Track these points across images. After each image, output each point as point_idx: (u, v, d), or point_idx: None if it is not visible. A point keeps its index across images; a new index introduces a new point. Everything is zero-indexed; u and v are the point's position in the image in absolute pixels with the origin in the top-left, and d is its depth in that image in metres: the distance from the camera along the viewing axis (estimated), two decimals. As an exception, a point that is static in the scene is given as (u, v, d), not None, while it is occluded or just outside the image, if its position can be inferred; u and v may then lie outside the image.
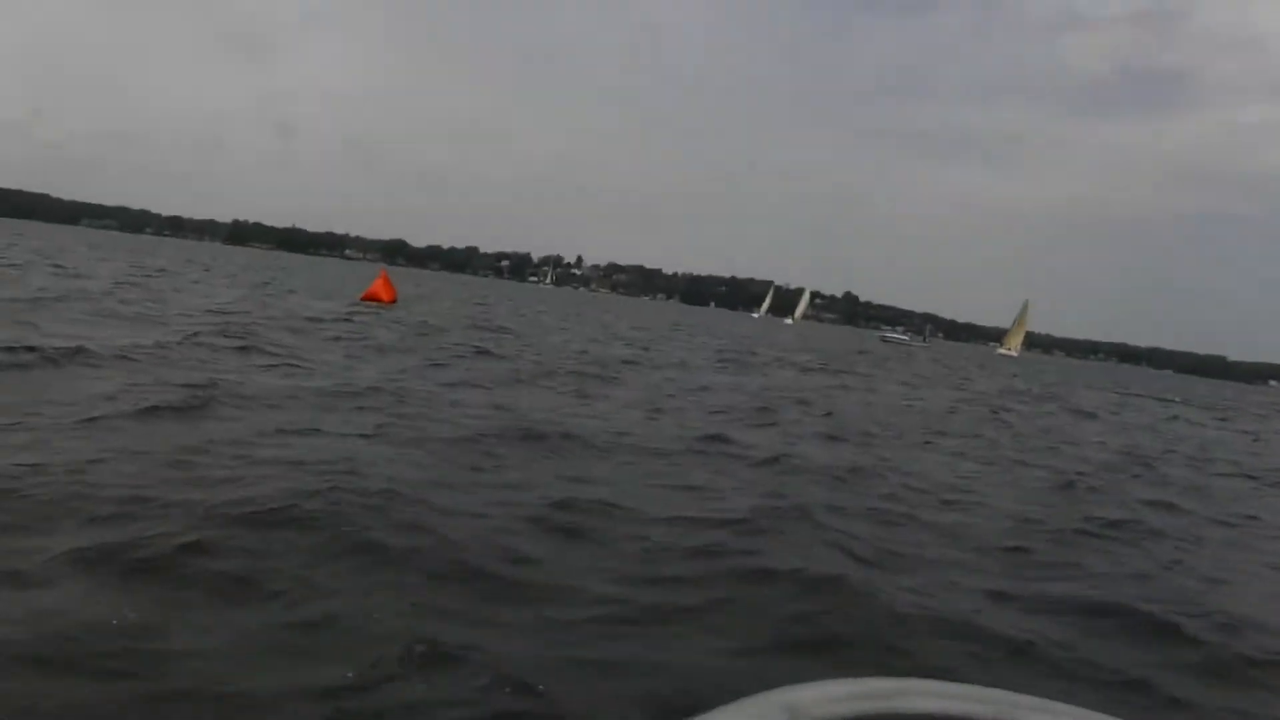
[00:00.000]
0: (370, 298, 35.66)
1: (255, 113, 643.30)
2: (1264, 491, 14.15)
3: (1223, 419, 37.45)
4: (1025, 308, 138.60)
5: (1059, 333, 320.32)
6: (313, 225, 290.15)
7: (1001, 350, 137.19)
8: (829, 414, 16.23)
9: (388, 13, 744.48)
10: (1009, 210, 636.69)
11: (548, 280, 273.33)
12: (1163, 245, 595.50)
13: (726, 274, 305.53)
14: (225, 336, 15.92)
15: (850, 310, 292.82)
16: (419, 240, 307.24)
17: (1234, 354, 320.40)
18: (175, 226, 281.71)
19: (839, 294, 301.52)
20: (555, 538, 6.18)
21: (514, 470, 8.12)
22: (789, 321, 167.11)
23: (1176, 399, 53.83)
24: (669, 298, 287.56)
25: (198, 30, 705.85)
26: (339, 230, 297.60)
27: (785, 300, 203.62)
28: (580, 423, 11.16)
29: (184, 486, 6.17)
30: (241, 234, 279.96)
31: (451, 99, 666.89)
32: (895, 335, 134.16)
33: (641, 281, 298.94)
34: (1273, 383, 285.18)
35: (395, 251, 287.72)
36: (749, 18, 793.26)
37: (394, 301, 35.97)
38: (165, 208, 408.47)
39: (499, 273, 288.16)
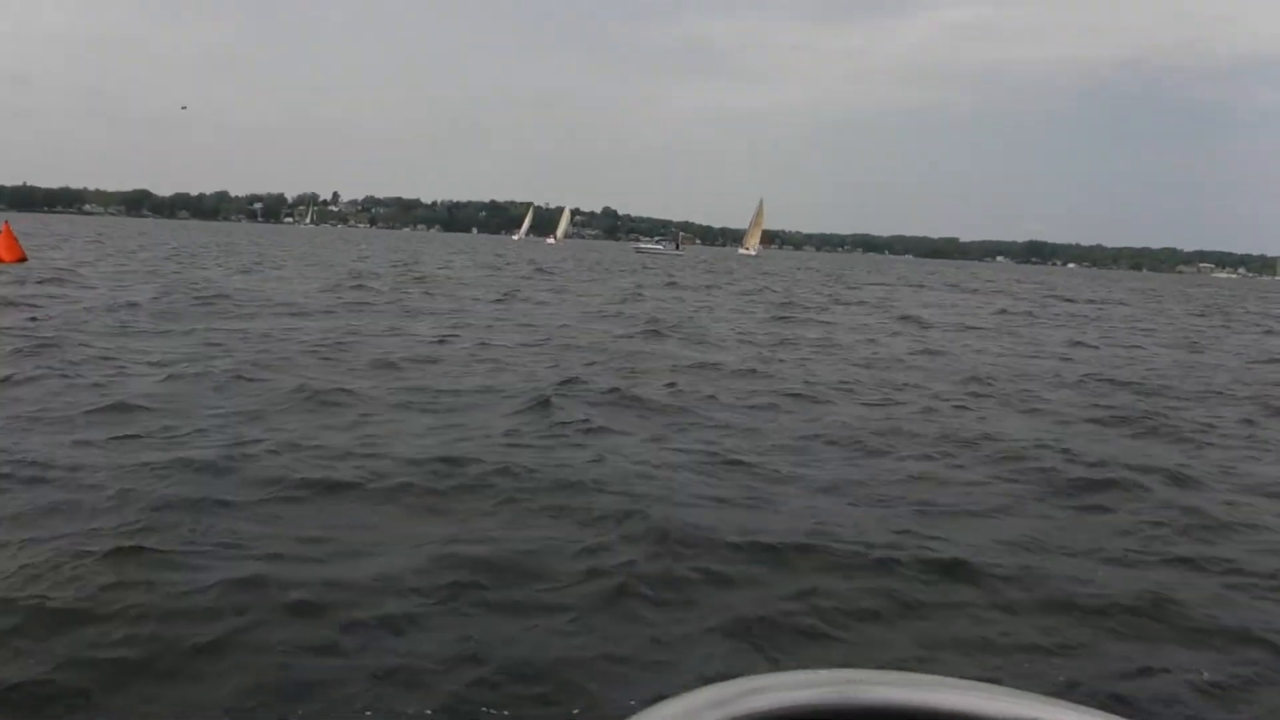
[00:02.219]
0: None
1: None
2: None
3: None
4: (760, 207, 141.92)
5: (808, 229, 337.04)
6: (47, 181, 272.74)
7: (741, 250, 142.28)
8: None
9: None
10: (756, 117, 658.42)
11: (307, 220, 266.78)
12: (894, 140, 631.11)
13: (487, 199, 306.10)
14: None
15: (611, 225, 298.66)
16: (165, 189, 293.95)
17: (965, 235, 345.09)
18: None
19: (599, 210, 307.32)
20: None
21: None
22: (551, 241, 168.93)
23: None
24: (430, 227, 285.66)
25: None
26: (75, 185, 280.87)
27: (546, 220, 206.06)
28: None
29: None
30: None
31: (193, 35, 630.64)
32: (649, 245, 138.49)
33: (401, 213, 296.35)
34: (1000, 258, 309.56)
35: (139, 202, 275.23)
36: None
37: (20, 260, 31.45)
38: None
39: (252, 216, 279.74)
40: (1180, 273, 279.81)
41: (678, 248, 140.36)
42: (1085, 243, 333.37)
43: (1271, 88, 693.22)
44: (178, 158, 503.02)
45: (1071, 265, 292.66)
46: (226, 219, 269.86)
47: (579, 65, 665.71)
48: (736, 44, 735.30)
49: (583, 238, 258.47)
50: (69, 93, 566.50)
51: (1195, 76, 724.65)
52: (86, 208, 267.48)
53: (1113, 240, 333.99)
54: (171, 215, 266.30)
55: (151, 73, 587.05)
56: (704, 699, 0.86)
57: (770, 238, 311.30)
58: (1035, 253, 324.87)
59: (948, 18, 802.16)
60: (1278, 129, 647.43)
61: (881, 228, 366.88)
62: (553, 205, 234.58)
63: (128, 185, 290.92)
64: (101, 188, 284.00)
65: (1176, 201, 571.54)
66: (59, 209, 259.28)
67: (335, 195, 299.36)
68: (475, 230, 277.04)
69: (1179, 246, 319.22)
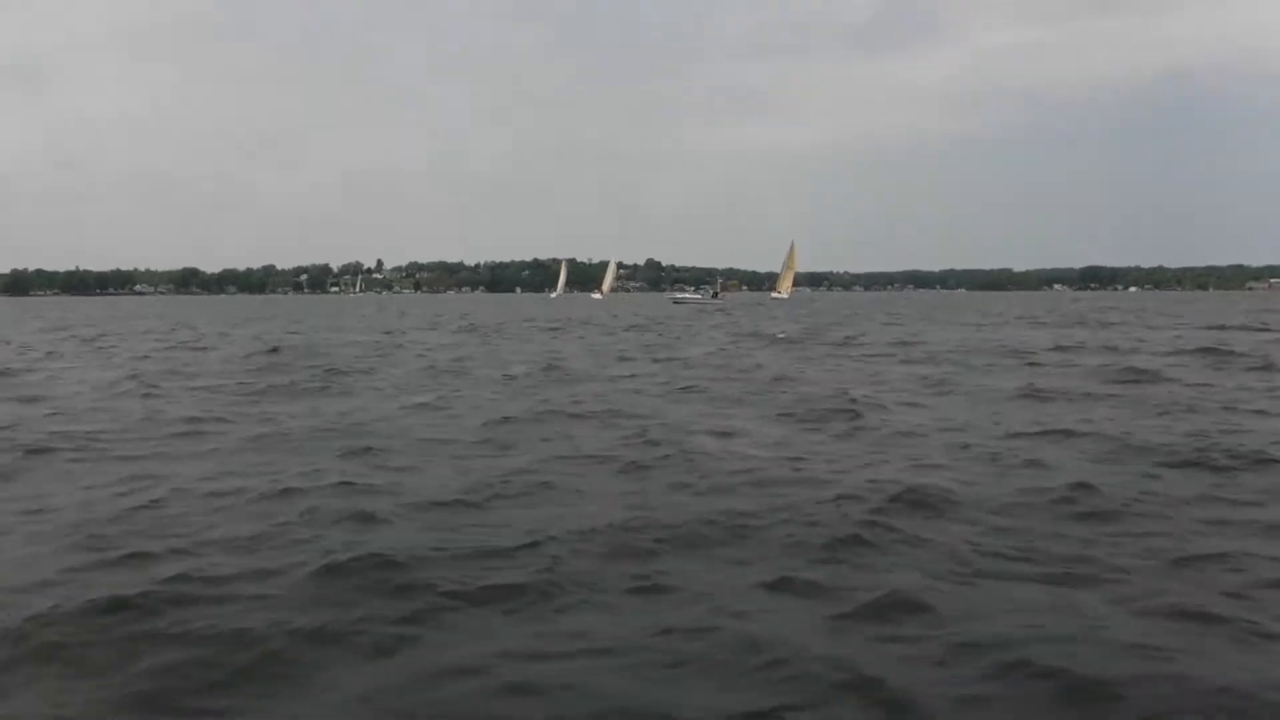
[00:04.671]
0: None
1: (26, 150, 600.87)
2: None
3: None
4: (791, 250, 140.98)
5: (857, 269, 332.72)
6: (99, 264, 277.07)
7: (774, 294, 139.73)
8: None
9: (153, 33, 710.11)
10: (797, 157, 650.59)
11: (356, 288, 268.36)
12: (940, 171, 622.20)
13: (529, 258, 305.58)
14: None
15: (655, 276, 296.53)
16: (213, 265, 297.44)
17: (1020, 265, 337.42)
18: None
19: (642, 262, 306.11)
20: None
21: None
22: (597, 295, 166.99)
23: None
24: (474, 289, 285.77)
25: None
26: (126, 266, 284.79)
27: (588, 275, 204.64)
28: None
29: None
30: (22, 283, 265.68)
31: (237, 111, 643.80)
32: (686, 295, 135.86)
33: (445, 276, 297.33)
34: (1057, 286, 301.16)
35: (188, 280, 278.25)
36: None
37: None
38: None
39: (298, 288, 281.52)
40: (1250, 290, 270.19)
41: (716, 295, 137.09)
42: (1146, 265, 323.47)
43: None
44: (223, 234, 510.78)
45: (1134, 289, 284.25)
46: (273, 292, 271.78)
47: (616, 117, 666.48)
48: (772, 84, 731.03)
49: (627, 290, 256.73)
50: (116, 174, 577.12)
51: (1246, 83, 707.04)
52: (138, 288, 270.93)
53: (1176, 261, 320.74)
54: (220, 291, 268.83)
55: (194, 151, 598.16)
56: None
57: (817, 280, 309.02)
58: (1093, 278, 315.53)
59: (985, 42, 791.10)
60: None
61: (933, 262, 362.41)
62: (596, 260, 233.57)
63: (176, 264, 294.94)
64: (151, 267, 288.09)
65: (1241, 217, 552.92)
66: (110, 291, 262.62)
67: (379, 263, 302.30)
68: (519, 289, 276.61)
69: (1246, 263, 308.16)
